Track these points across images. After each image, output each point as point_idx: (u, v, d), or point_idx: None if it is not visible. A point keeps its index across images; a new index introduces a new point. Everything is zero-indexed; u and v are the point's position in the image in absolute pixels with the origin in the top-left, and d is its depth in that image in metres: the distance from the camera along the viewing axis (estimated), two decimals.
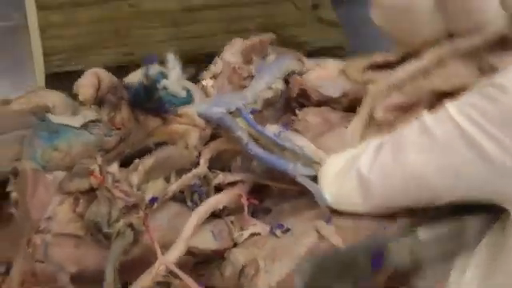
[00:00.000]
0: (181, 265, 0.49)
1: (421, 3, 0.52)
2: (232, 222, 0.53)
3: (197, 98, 0.54)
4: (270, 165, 0.52)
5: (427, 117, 0.47)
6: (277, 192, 0.55)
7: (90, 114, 0.52)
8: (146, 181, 0.51)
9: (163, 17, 0.70)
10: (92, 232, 0.47)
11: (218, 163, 0.55)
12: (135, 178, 0.50)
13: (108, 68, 0.62)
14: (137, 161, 0.51)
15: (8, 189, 0.50)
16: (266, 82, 0.55)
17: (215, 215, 0.54)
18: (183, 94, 0.49)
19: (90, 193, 0.48)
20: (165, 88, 0.49)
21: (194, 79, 0.52)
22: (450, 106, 0.45)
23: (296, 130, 0.54)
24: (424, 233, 0.48)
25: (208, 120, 0.54)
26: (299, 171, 0.52)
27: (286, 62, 0.57)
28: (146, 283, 0.47)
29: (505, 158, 0.43)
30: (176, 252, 0.49)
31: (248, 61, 0.58)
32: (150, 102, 0.50)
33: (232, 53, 0.58)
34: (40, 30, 0.68)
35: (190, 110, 0.53)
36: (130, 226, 0.47)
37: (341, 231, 0.49)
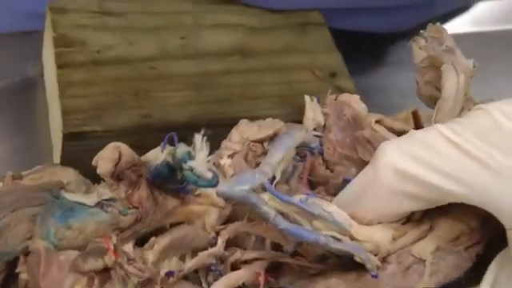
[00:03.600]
0: None
1: None
2: None
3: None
4: (300, 238, 0.51)
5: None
6: (294, 271, 0.54)
7: (104, 192, 0.51)
8: (162, 260, 0.49)
9: (183, 80, 0.69)
10: None
11: (233, 242, 0.54)
12: (151, 257, 0.49)
13: (125, 130, 0.63)
14: (153, 239, 0.50)
15: (17, 269, 0.48)
16: (282, 155, 0.53)
17: None
18: (209, 175, 0.47)
19: (105, 272, 0.47)
20: (191, 169, 0.47)
21: (212, 141, 0.50)
22: (438, 124, 0.50)
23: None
24: None
25: (228, 199, 0.52)
26: (331, 244, 0.50)
27: (297, 133, 0.56)
28: None
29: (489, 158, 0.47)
30: None
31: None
32: (172, 181, 0.49)
33: (248, 127, 0.58)
34: (59, 88, 0.65)
35: (209, 190, 0.52)
36: None
37: None
